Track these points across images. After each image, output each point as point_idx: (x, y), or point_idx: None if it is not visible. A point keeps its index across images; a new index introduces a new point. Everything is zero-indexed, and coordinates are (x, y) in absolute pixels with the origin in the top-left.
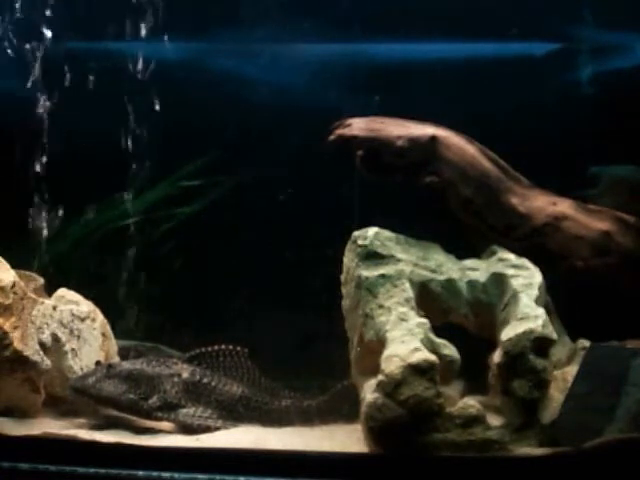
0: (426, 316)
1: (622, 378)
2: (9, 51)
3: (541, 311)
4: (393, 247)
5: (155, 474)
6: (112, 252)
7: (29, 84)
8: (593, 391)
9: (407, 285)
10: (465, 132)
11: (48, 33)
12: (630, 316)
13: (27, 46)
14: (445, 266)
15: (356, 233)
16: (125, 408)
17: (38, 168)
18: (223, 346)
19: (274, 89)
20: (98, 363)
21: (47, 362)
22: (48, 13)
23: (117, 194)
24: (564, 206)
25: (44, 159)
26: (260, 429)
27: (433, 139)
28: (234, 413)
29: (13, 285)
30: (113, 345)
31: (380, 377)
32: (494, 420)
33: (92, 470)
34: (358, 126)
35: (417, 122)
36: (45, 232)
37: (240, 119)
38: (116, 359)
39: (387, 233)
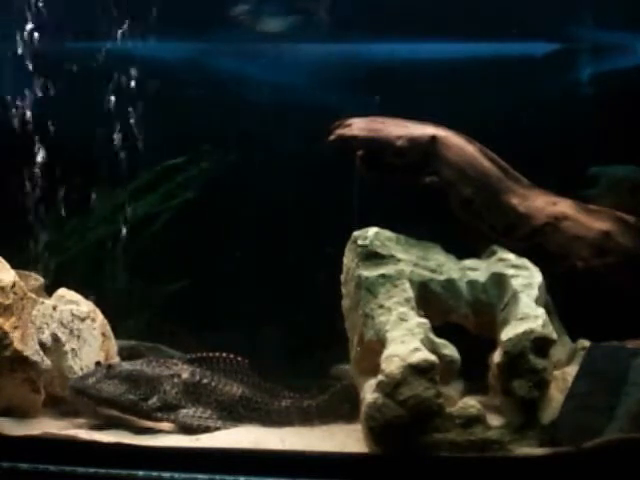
0: (426, 316)
1: (622, 378)
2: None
3: (541, 311)
4: (393, 247)
5: (155, 474)
6: (111, 251)
7: (30, 84)
8: (593, 391)
9: (407, 285)
10: (465, 132)
11: (48, 33)
12: (630, 316)
13: (27, 46)
14: (445, 266)
15: (356, 233)
16: (125, 409)
17: (38, 167)
18: (224, 354)
19: (274, 89)
20: (98, 363)
21: (47, 362)
22: (49, 12)
23: (116, 193)
24: (564, 206)
25: (43, 158)
26: (260, 429)
27: (433, 139)
28: (234, 413)
29: (13, 285)
30: (113, 345)
31: (380, 377)
32: (494, 420)
33: (92, 470)
34: (358, 126)
35: (417, 122)
36: (45, 232)
37: (240, 119)
38: (116, 359)
39: (387, 233)
